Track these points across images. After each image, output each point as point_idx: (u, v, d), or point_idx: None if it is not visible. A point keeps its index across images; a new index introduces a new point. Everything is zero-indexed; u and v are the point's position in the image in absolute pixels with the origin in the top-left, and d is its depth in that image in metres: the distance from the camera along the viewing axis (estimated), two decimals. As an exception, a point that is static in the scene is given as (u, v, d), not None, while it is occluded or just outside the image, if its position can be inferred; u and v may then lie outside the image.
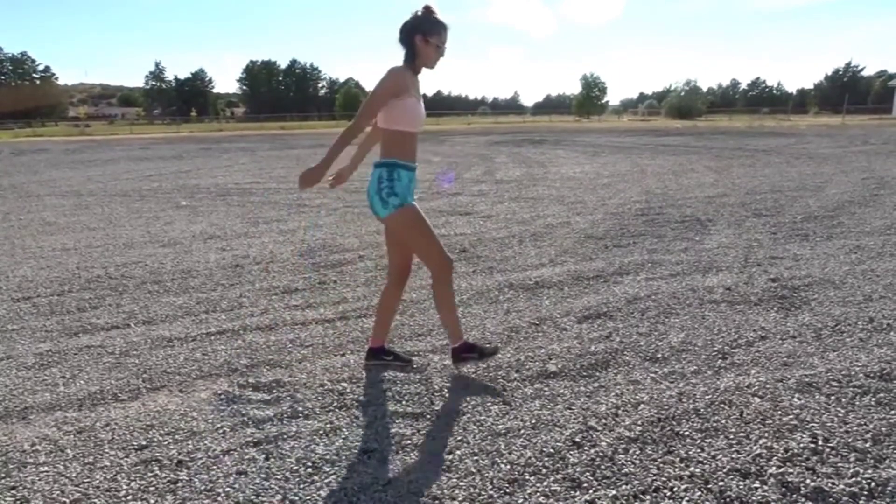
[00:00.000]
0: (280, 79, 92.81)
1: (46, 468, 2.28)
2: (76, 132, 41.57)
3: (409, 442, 2.40)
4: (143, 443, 2.43)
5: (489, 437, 2.41)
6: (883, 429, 2.37)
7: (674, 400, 2.65)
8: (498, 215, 7.20)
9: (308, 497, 2.07)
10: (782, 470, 2.12)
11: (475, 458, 2.27)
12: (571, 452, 2.28)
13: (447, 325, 2.95)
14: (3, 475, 2.24)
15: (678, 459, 2.21)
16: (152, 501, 2.07)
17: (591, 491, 2.06)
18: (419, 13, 2.63)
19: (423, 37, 2.61)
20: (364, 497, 2.06)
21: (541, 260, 5.10)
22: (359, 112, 2.64)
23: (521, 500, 2.02)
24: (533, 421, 2.52)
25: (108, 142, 29.13)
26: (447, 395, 2.78)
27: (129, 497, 2.09)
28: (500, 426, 2.49)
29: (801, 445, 2.27)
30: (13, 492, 2.14)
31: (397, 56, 2.70)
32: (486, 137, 24.80)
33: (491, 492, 2.07)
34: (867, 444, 2.27)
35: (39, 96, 70.44)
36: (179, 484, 2.16)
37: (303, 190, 2.73)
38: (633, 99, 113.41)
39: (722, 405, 2.59)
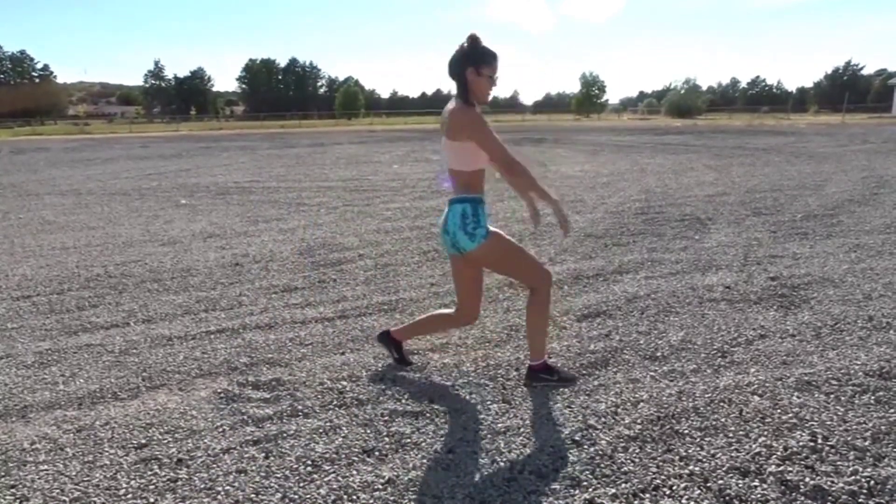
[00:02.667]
0: (279, 77, 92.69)
1: (46, 467, 2.28)
2: (75, 131, 41.55)
3: (408, 440, 2.40)
4: (143, 441, 2.43)
5: (489, 436, 2.41)
6: (882, 427, 2.37)
7: (673, 398, 2.66)
8: (496, 214, 7.20)
9: (308, 496, 2.07)
10: (781, 468, 2.13)
11: (475, 456, 2.27)
12: (571, 451, 2.29)
13: (532, 341, 2.82)
14: (2, 474, 2.24)
15: (678, 458, 2.21)
16: (152, 500, 2.07)
17: (590, 489, 2.06)
18: (465, 45, 2.52)
19: (474, 69, 2.50)
20: (364, 496, 2.06)
21: (540, 259, 5.09)
22: (502, 154, 2.50)
23: (520, 499, 2.02)
24: (532, 419, 2.52)
25: (107, 140, 29.12)
26: (447, 393, 2.78)
27: (129, 495, 2.10)
28: (499, 425, 2.49)
29: (801, 444, 2.27)
30: (13, 490, 2.14)
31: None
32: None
33: (491, 490, 2.07)
34: (866, 443, 2.27)
35: (38, 95, 70.33)
36: (179, 482, 2.16)
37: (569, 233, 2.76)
38: (632, 97, 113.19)
39: (721, 403, 2.60)
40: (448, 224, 2.64)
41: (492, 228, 2.65)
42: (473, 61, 2.49)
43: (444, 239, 2.69)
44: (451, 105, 2.57)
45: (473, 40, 2.50)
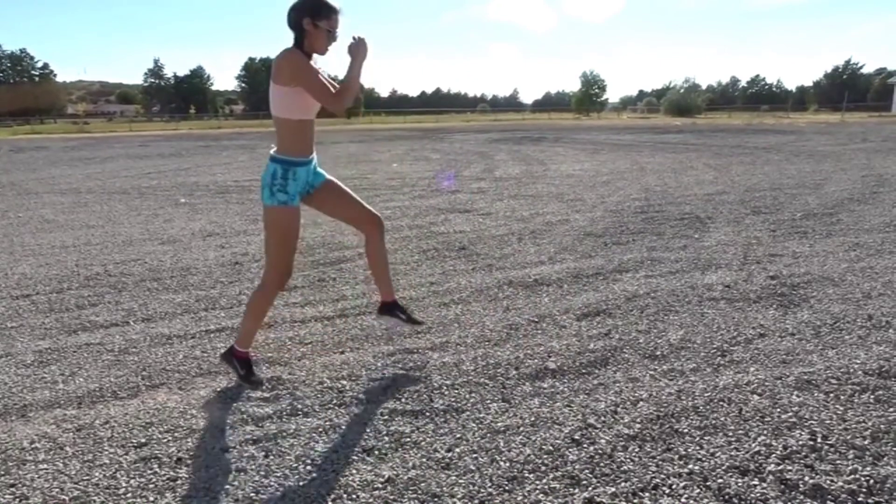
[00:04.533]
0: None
1: (46, 466, 2.28)
2: (75, 129, 41.50)
3: (408, 439, 2.40)
4: (143, 440, 2.43)
5: (488, 435, 2.41)
6: (882, 426, 2.37)
7: (673, 397, 2.66)
8: (497, 213, 7.20)
9: (307, 495, 2.07)
10: (781, 467, 2.13)
11: (474, 455, 2.27)
12: (570, 450, 2.29)
13: (243, 328, 2.86)
14: (2, 473, 2.24)
15: (677, 457, 2.21)
16: (151, 499, 2.07)
17: (590, 488, 2.06)
18: None
19: (311, 20, 2.51)
20: (363, 495, 2.06)
21: (540, 257, 5.10)
22: (324, 95, 2.55)
23: (520, 498, 2.02)
24: (532, 418, 2.52)
25: (106, 139, 29.09)
26: (446, 392, 2.78)
27: (129, 494, 2.10)
28: (499, 424, 2.49)
29: (800, 443, 2.27)
30: (12, 489, 2.14)
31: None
32: (486, 135, 24.79)
33: (490, 489, 2.07)
34: (866, 442, 2.27)
35: (38, 94, 70.25)
36: (179, 481, 2.16)
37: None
38: (632, 96, 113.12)
39: (721, 403, 2.60)
40: (263, 176, 2.70)
41: (297, 203, 2.69)
42: (311, 12, 2.51)
43: (260, 185, 2.76)
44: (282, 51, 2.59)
45: None
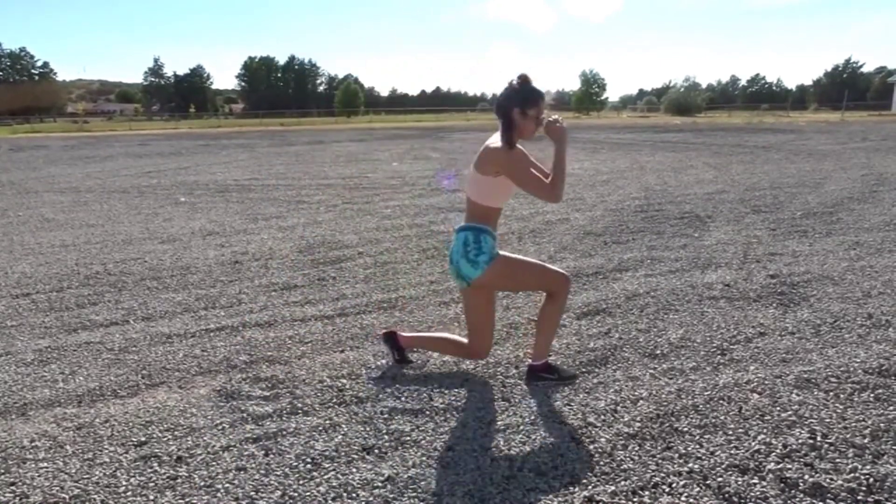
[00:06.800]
0: (279, 75, 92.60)
1: (46, 464, 2.28)
2: (74, 128, 41.48)
3: (408, 438, 2.40)
4: (143, 439, 2.43)
5: (489, 434, 2.41)
6: (881, 425, 2.37)
7: (673, 396, 2.66)
8: (497, 212, 7.18)
9: (307, 493, 2.07)
10: (781, 466, 2.13)
11: (474, 454, 2.28)
12: (571, 448, 2.29)
13: (539, 341, 2.81)
14: (2, 471, 2.24)
15: (677, 455, 2.22)
16: (151, 497, 2.07)
17: (589, 487, 2.06)
18: (515, 84, 2.53)
19: (520, 110, 2.51)
20: (363, 493, 2.06)
21: (540, 256, 5.10)
22: (541, 191, 2.54)
23: (520, 497, 2.02)
24: (532, 417, 2.52)
25: (106, 138, 29.08)
26: (446, 391, 2.78)
27: (129, 493, 2.10)
28: (499, 422, 2.49)
29: (800, 441, 2.27)
30: (13, 487, 2.14)
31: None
32: (486, 134, 24.75)
33: (490, 488, 2.07)
34: (865, 440, 2.27)
35: (38, 93, 70.27)
36: (179, 480, 2.16)
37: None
38: (632, 95, 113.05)
39: (721, 401, 2.60)
40: (453, 253, 2.68)
41: (497, 252, 2.65)
42: (521, 102, 2.51)
43: (451, 270, 2.73)
44: (492, 140, 2.59)
45: (523, 80, 2.52)
